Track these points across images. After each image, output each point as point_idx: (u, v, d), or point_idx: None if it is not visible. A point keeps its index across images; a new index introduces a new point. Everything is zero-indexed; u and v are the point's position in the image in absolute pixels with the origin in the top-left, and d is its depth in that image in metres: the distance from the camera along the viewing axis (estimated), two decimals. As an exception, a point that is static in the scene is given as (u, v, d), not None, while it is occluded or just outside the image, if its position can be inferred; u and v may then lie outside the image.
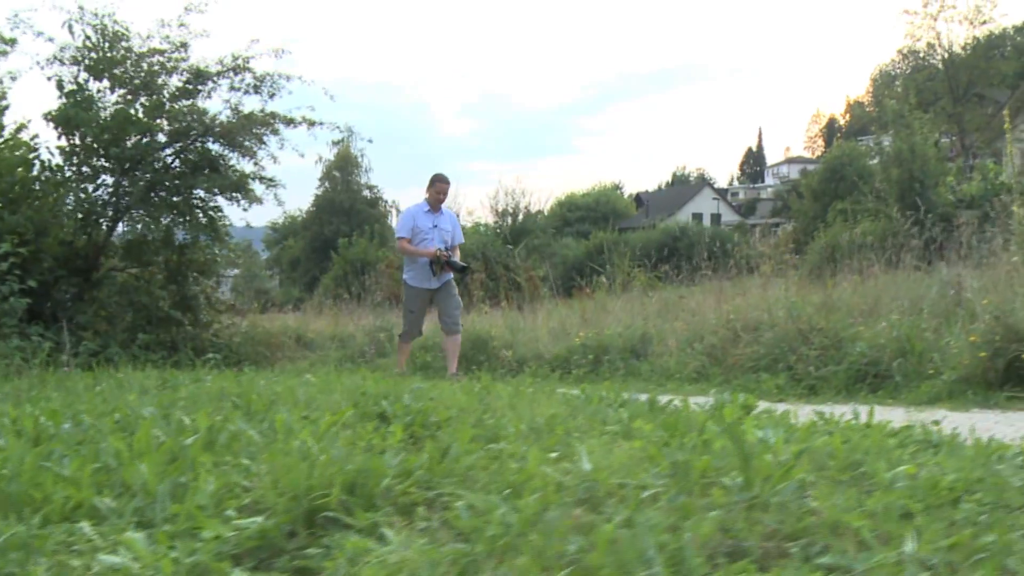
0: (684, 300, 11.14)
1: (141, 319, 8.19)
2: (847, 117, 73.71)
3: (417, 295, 8.49)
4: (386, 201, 62.32)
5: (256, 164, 8.75)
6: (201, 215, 8.61)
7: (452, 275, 8.40)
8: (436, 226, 8.39)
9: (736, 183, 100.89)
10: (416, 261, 8.43)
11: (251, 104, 8.89)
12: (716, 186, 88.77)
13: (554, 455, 2.78)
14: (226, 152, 8.70)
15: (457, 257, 8.53)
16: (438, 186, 8.50)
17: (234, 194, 8.64)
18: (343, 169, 60.50)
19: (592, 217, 61.14)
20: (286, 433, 3.08)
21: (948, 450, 2.90)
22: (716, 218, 62.47)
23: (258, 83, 8.83)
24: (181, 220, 8.51)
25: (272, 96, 8.87)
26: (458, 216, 9.36)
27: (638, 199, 72.32)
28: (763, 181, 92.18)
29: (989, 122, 38.13)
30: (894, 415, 4.54)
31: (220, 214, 8.77)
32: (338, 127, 8.90)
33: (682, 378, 6.93)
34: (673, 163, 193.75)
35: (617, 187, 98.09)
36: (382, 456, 2.48)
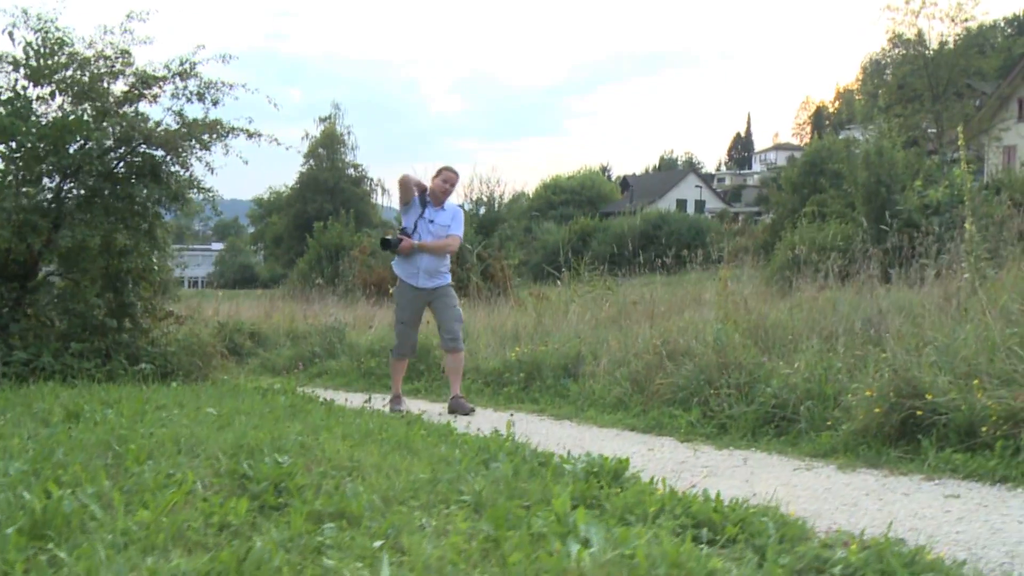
0: (637, 306, 11.15)
1: (76, 327, 8.15)
2: (836, 105, 73.58)
3: (407, 297, 7.63)
4: (371, 179, 62.24)
5: (194, 172, 8.66)
6: (142, 221, 8.54)
7: (447, 281, 7.68)
8: (432, 221, 7.59)
9: (724, 168, 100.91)
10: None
11: (193, 112, 8.80)
12: (703, 171, 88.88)
13: (379, 543, 2.79)
14: (169, 159, 8.61)
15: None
16: (446, 175, 7.73)
17: (172, 204, 8.57)
18: (328, 147, 60.39)
19: (577, 200, 61.26)
20: (124, 510, 3.08)
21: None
22: (700, 204, 62.55)
23: (202, 90, 8.75)
24: (121, 226, 8.44)
25: (215, 104, 8.79)
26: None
27: (624, 183, 72.32)
28: (750, 167, 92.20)
29: (971, 117, 38.17)
30: (778, 471, 4.57)
31: (161, 221, 8.69)
32: (276, 139, 8.80)
33: (604, 404, 6.92)
34: (661, 147, 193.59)
35: (605, 169, 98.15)
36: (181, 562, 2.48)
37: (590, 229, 43.31)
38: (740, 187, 78.62)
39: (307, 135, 61.10)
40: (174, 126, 8.69)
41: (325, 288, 24.01)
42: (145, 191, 8.35)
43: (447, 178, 7.74)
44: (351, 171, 60.24)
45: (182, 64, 8.84)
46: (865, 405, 4.86)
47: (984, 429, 4.33)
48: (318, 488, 3.56)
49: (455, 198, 8.05)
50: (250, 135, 8.49)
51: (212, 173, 8.60)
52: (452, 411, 7.33)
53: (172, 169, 8.69)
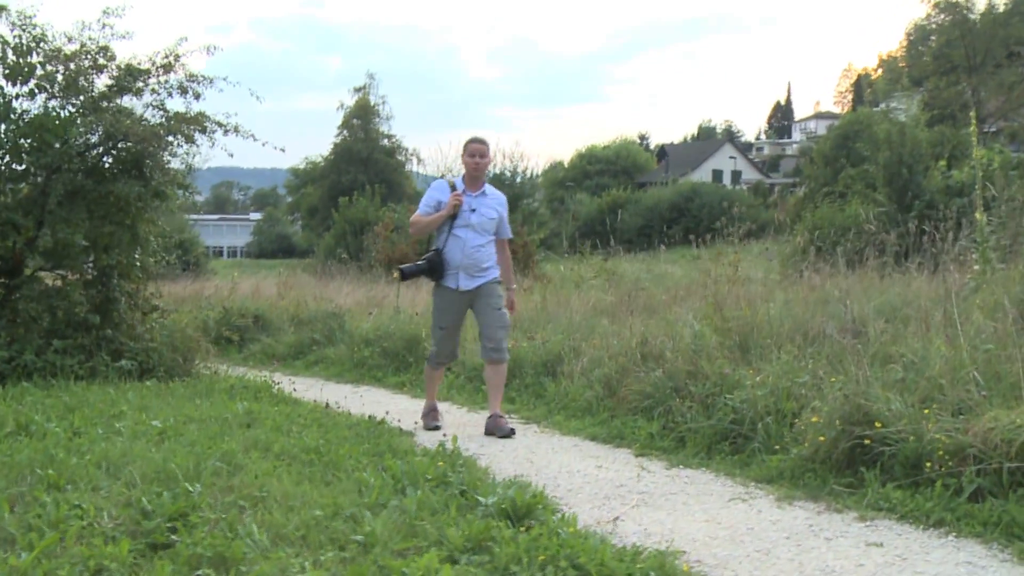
0: (641, 293, 10.97)
1: (60, 324, 8.16)
2: (879, 73, 71.99)
3: (446, 300, 6.52)
4: (406, 149, 62.08)
5: (177, 166, 8.62)
6: (125, 217, 8.51)
7: (493, 276, 6.50)
8: (475, 210, 6.40)
9: (763, 137, 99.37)
10: (435, 243, 6.55)
11: (174, 106, 8.75)
12: (743, 139, 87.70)
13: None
14: (156, 153, 8.55)
15: (480, 252, 6.42)
16: (471, 147, 6.50)
17: (154, 200, 8.53)
18: (362, 118, 60.26)
19: (612, 171, 60.76)
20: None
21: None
22: (736, 175, 61.75)
23: (184, 84, 8.69)
24: (104, 223, 8.42)
25: (197, 97, 8.72)
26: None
27: (661, 152, 71.58)
28: (790, 136, 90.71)
29: (1016, 86, 37.15)
30: (713, 501, 4.42)
31: (144, 216, 8.65)
32: (252, 135, 8.68)
33: (575, 408, 6.76)
34: (701, 115, 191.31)
35: (643, 138, 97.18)
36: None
37: (622, 201, 42.91)
38: (779, 157, 77.42)
39: (342, 105, 60.98)
40: (158, 120, 8.65)
41: (349, 263, 24.13)
42: (128, 188, 8.29)
43: (473, 151, 6.50)
44: (385, 142, 60.04)
45: (166, 56, 8.78)
46: (813, 430, 4.69)
47: (928, 465, 4.14)
48: (215, 524, 3.50)
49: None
50: (226, 131, 8.41)
51: (191, 172, 8.54)
52: (489, 432, 6.31)
53: (161, 160, 8.64)
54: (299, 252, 59.01)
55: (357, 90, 61.49)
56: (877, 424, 4.44)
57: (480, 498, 3.89)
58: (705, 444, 5.41)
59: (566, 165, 65.99)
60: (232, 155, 8.97)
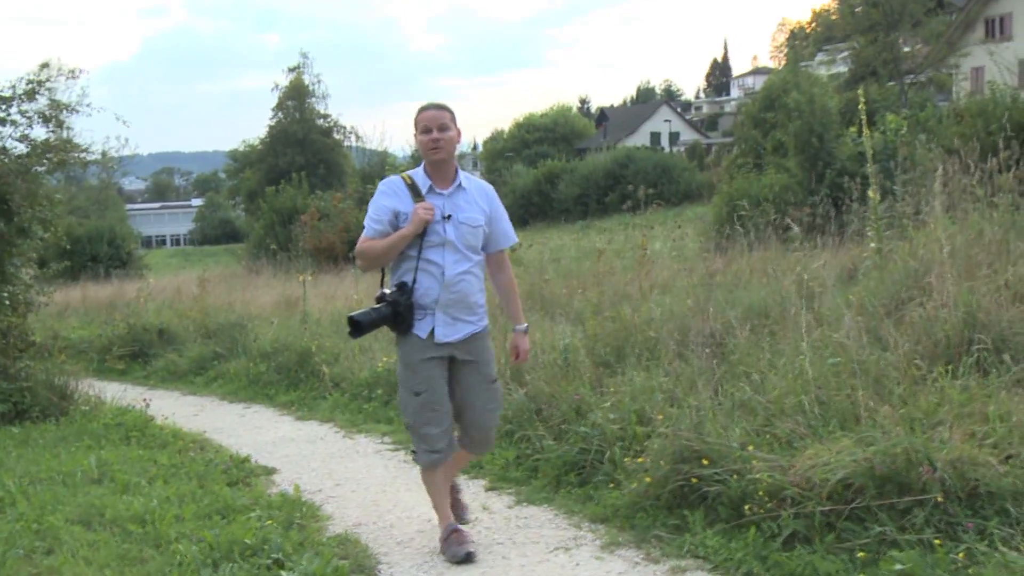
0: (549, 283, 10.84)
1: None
2: (813, 26, 72.26)
3: (418, 350, 4.26)
4: (344, 128, 61.31)
5: (43, 198, 8.32)
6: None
7: (483, 325, 4.39)
8: (449, 217, 4.22)
9: (703, 95, 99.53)
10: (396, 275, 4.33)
11: (37, 134, 8.47)
12: (683, 99, 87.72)
13: None
14: (22, 187, 8.24)
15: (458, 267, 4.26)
16: (425, 117, 4.27)
17: (18, 238, 8.24)
18: (297, 99, 59.40)
19: (551, 138, 60.46)
20: None
21: None
22: (674, 137, 61.82)
23: (48, 113, 8.40)
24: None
25: (61, 126, 8.45)
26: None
27: (601, 115, 71.39)
28: (729, 93, 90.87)
29: (940, 37, 37.42)
30: (538, 550, 4.31)
31: (12, 250, 8.34)
32: (118, 162, 8.44)
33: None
34: (640, 76, 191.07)
35: (584, 102, 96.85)
36: None
37: (558, 171, 42.80)
38: (717, 115, 77.54)
39: (276, 86, 60.06)
40: (22, 150, 8.38)
41: (280, 255, 23.75)
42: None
43: (428, 122, 4.25)
44: (321, 121, 59.28)
45: (28, 84, 8.49)
46: (641, 469, 4.60)
47: (748, 507, 4.05)
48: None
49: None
50: (85, 166, 8.15)
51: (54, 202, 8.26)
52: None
53: (33, 189, 8.34)
54: (243, 237, 58.40)
55: (291, 70, 60.55)
56: (704, 461, 4.35)
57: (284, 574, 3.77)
58: (554, 475, 5.28)
59: (505, 135, 65.68)
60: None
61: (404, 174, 4.35)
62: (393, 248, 4.22)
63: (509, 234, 4.50)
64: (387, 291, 4.29)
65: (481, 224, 4.33)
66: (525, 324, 4.58)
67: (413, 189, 4.27)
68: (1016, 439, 3.98)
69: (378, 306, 4.25)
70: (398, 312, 4.22)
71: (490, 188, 4.51)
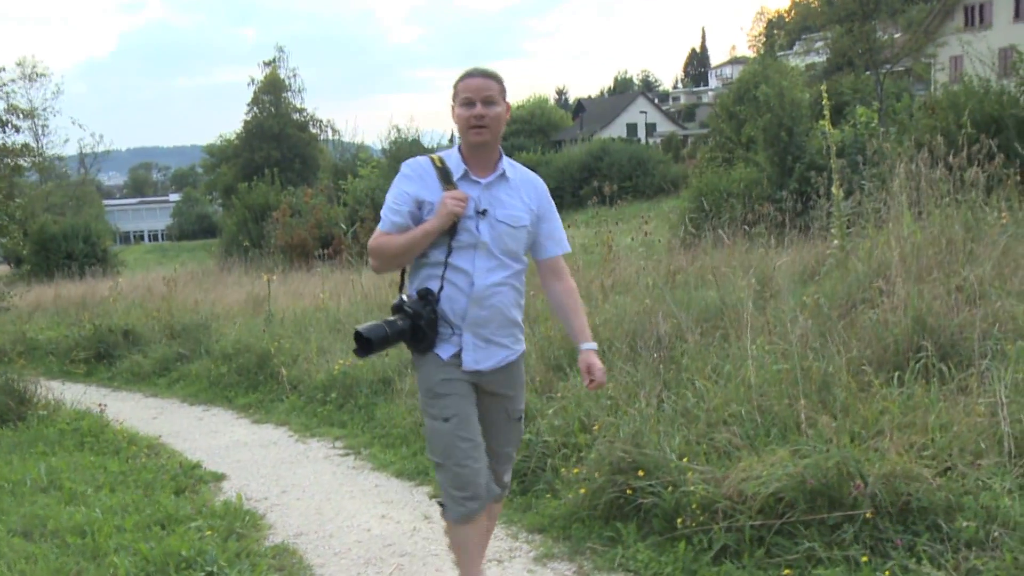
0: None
1: None
2: (792, 15, 72.49)
3: (442, 371, 3.40)
4: (320, 122, 61.08)
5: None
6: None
7: (520, 350, 3.57)
8: (485, 212, 3.38)
9: (680, 86, 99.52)
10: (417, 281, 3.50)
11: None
12: (660, 89, 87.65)
13: None
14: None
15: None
16: (467, 86, 3.38)
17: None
18: (272, 93, 59.15)
19: (528, 130, 60.32)
20: None
21: None
22: (651, 128, 61.75)
23: (3, 118, 8.34)
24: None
25: (17, 131, 8.39)
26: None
27: (579, 107, 71.24)
28: (707, 83, 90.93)
29: (917, 25, 37.49)
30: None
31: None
32: (96, 153, 8.35)
33: (394, 436, 6.53)
34: (618, 66, 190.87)
35: (562, 92, 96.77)
36: None
37: (534, 163, 42.66)
38: (694, 106, 77.53)
39: (252, 80, 59.77)
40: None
41: (252, 251, 23.64)
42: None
43: (471, 92, 3.37)
44: (296, 115, 59.05)
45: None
46: (577, 478, 4.58)
47: (680, 520, 4.03)
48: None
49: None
50: (42, 170, 8.07)
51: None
52: None
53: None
54: (220, 232, 58.23)
55: (267, 64, 60.25)
56: (640, 472, 4.33)
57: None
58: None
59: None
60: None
61: (434, 155, 3.48)
62: (413, 247, 3.37)
63: (561, 238, 3.59)
64: (405, 298, 3.42)
65: (525, 224, 3.45)
66: (594, 343, 3.60)
67: (443, 174, 3.40)
68: (955, 451, 3.96)
69: (393, 318, 3.35)
70: (418, 326, 3.35)
71: (540, 182, 3.60)
